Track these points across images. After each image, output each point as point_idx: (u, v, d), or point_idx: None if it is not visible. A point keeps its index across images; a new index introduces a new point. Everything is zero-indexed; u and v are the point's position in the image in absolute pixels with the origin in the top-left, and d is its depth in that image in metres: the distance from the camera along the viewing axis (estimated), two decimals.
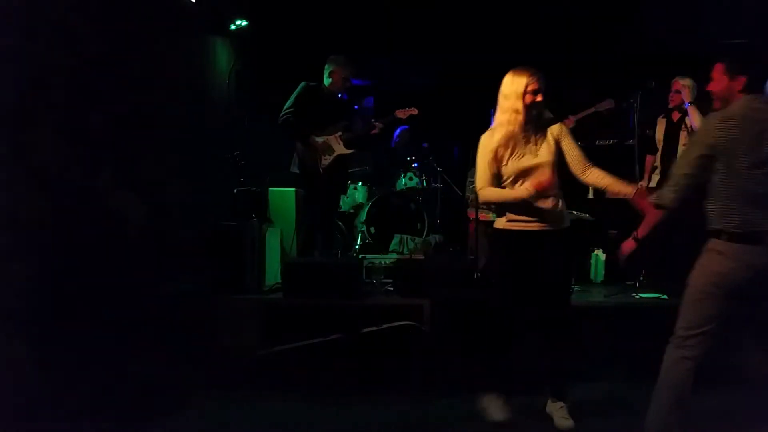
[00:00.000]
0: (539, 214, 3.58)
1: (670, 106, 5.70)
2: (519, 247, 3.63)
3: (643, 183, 5.62)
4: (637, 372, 3.93)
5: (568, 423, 3.66)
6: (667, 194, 3.12)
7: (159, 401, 3.92)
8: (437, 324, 4.43)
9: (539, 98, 3.51)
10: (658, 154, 5.79)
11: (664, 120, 5.78)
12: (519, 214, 3.62)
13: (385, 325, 4.44)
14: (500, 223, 3.70)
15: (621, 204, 6.23)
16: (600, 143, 6.71)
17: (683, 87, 5.53)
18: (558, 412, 3.72)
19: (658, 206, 3.22)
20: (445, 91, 8.03)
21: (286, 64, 6.63)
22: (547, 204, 3.59)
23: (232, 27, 6.17)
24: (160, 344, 4.17)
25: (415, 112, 5.68)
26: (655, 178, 5.72)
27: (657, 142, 5.79)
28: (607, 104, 6.20)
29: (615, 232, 5.63)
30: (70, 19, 3.93)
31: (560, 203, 3.64)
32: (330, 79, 5.59)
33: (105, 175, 4.21)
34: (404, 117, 5.70)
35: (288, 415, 3.91)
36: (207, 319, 4.54)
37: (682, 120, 5.59)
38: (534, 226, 3.60)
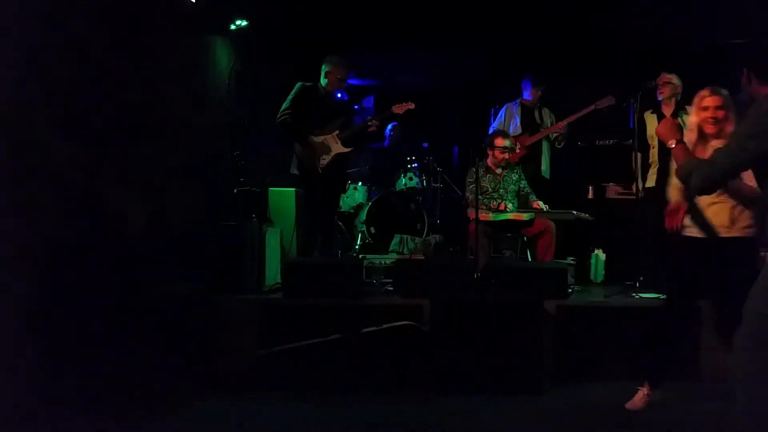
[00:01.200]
0: (708, 219, 3.67)
1: (659, 98, 5.65)
2: (687, 254, 3.73)
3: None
4: (637, 372, 3.95)
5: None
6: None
7: (159, 401, 3.92)
8: (437, 324, 4.43)
9: (710, 114, 3.64)
10: (653, 150, 5.64)
11: (653, 115, 5.65)
12: (691, 219, 3.74)
13: (385, 325, 4.44)
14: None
15: (621, 204, 6.28)
16: (600, 143, 6.67)
17: (668, 82, 5.56)
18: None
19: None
20: (445, 91, 8.03)
21: (286, 64, 6.64)
22: (714, 209, 3.66)
23: (232, 27, 6.17)
24: (160, 344, 4.17)
25: (412, 106, 5.64)
26: (652, 177, 5.61)
27: (649, 138, 5.64)
28: (607, 101, 6.16)
29: None
30: (71, 19, 3.93)
31: (734, 209, 3.63)
32: (326, 80, 5.61)
33: (105, 175, 4.21)
34: (401, 112, 5.66)
35: (288, 415, 3.91)
36: (207, 319, 4.54)
37: (675, 114, 5.50)
38: (700, 233, 3.69)
